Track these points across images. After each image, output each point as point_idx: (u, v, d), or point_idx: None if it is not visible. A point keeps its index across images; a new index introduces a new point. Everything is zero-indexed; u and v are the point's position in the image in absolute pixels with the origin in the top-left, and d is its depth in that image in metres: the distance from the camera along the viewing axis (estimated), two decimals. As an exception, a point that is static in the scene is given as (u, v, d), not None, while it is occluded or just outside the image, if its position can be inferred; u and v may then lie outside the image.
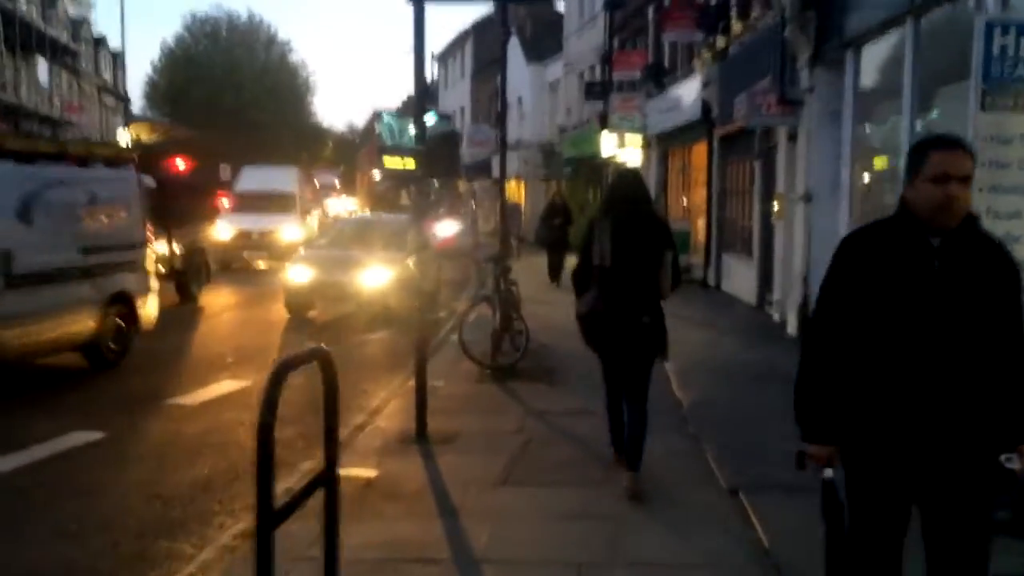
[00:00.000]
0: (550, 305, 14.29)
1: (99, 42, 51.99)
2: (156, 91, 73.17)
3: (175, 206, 14.68)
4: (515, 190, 43.08)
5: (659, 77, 21.83)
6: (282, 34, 74.82)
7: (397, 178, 24.60)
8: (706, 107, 17.32)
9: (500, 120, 18.65)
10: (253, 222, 21.83)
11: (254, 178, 24.41)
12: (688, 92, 18.59)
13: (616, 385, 5.70)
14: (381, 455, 6.26)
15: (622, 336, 5.45)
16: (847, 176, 10.00)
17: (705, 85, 17.21)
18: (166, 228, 14.25)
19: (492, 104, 46.44)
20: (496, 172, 42.94)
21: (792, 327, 11.35)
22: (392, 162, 24.28)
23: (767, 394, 8.11)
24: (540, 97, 38.64)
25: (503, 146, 18.55)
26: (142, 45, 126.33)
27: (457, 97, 53.58)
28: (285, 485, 5.04)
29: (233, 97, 61.83)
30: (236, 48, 65.17)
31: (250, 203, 22.35)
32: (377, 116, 27.19)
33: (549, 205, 19.40)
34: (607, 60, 25.62)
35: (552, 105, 37.62)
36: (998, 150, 4.88)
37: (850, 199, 9.98)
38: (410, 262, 12.66)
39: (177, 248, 14.76)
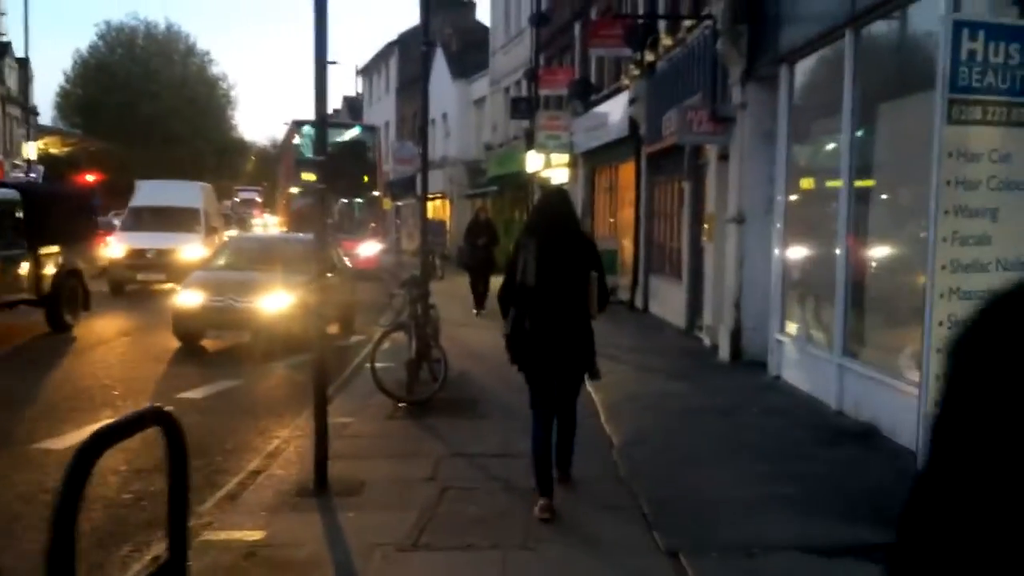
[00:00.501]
0: (473, 328, 13.61)
1: (3, 49, 49.57)
2: (68, 101, 70.73)
3: (44, 222, 13.07)
4: (440, 208, 42.38)
5: (586, 94, 21.41)
6: (201, 45, 73.04)
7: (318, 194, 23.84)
8: (634, 125, 16.91)
9: (422, 134, 18.04)
10: (149, 240, 19.81)
11: (152, 192, 22.33)
12: (615, 109, 18.17)
13: (545, 409, 5.54)
14: (272, 512, 5.45)
15: (550, 356, 5.42)
16: (781, 197, 9.57)
17: (632, 102, 16.79)
18: (31, 247, 12.73)
19: (417, 120, 45.74)
20: (420, 190, 42.41)
21: (724, 352, 10.86)
22: (310, 175, 23.31)
23: (702, 430, 7.54)
24: (466, 114, 38.04)
25: (424, 161, 17.98)
26: (52, 54, 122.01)
27: (382, 112, 52.68)
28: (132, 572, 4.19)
29: (149, 107, 60.04)
30: (153, 58, 63.37)
31: (147, 220, 20.44)
32: (296, 127, 26.12)
33: (472, 224, 17.29)
34: (533, 77, 25.17)
35: (478, 122, 37.06)
36: (965, 168, 4.36)
37: (784, 221, 9.54)
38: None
39: (47, 270, 13.10)
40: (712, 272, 12.08)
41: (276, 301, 11.41)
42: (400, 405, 8.50)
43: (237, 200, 57.46)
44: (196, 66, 65.86)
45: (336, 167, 25.59)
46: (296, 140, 24.20)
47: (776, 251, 9.56)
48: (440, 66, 40.16)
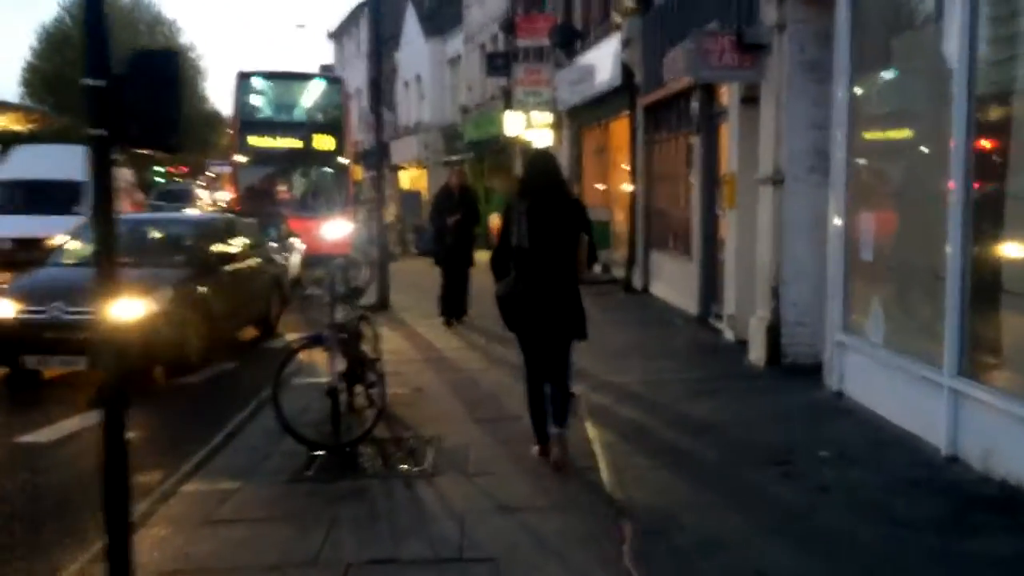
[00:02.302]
0: (434, 330, 11.02)
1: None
2: (35, 77, 68.19)
3: None
4: (416, 177, 39.60)
5: (570, 42, 18.70)
6: (168, 14, 69.84)
7: (273, 164, 20.61)
8: (627, 73, 14.28)
9: (373, 91, 15.32)
10: (12, 226, 15.73)
11: (23, 162, 18.18)
12: (604, 56, 15.51)
13: (537, 369, 5.70)
14: None
15: (541, 317, 5.56)
16: (842, 150, 6.98)
17: (626, 44, 14.14)
18: None
19: (390, 84, 42.78)
20: (396, 157, 39.54)
21: (757, 353, 8.34)
22: (261, 140, 19.87)
23: (756, 503, 4.98)
24: (440, 75, 35.16)
25: (378, 126, 15.26)
26: (17, 29, 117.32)
27: (353, 78, 49.47)
28: None
29: (114, 80, 57.48)
30: (117, 29, 60.70)
31: (19, 198, 16.76)
32: (242, 80, 20.82)
33: (440, 195, 11.77)
34: (510, 27, 22.42)
35: (454, 83, 34.21)
36: None
37: (848, 180, 6.96)
38: (198, 286, 9.10)
39: None
40: (735, 247, 9.53)
41: (128, 309, 7.20)
42: (316, 454, 5.97)
43: (212, 175, 54.85)
44: (163, 36, 63.31)
45: (293, 129, 22.51)
46: (244, 97, 20.34)
47: (837, 220, 7.00)
48: (412, 24, 37.24)
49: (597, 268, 16.08)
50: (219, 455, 6.08)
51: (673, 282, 12.53)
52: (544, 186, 5.59)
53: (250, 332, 11.14)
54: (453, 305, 11.36)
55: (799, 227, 7.96)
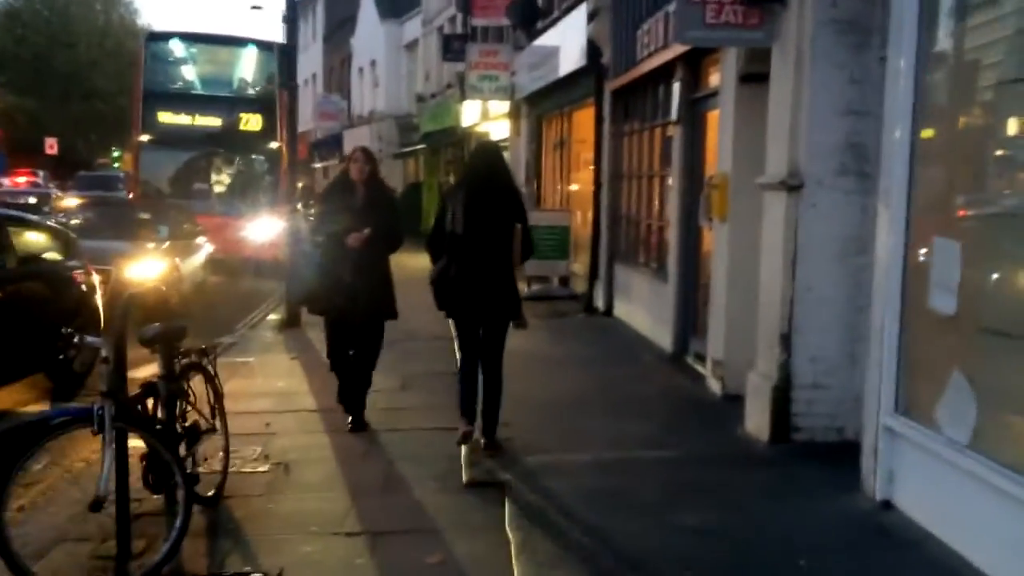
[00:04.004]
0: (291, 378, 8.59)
1: None
2: None
3: None
4: (369, 170, 37.05)
5: (531, 20, 16.36)
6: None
7: (186, 147, 17.72)
8: (594, 51, 11.99)
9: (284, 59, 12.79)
10: None
11: None
12: (569, 33, 13.21)
13: (471, 352, 5.83)
14: None
15: (475, 302, 5.69)
16: (904, 141, 4.68)
17: (593, 16, 11.87)
18: None
19: (344, 70, 40.17)
20: (348, 149, 36.93)
21: (757, 423, 6.06)
22: (172, 117, 16.39)
23: None
24: (396, 60, 32.68)
25: (290, 113, 12.66)
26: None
27: (309, 64, 46.81)
28: None
29: (66, 59, 54.39)
30: (71, 6, 57.72)
31: None
32: (149, 43, 17.90)
33: (330, 194, 6.78)
34: (467, 6, 20.07)
35: (411, 70, 31.73)
36: None
37: (908, 188, 4.68)
38: None
39: None
40: (726, 271, 7.26)
41: None
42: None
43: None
44: (119, 16, 60.29)
45: (213, 104, 19.34)
46: (153, 63, 17.13)
47: (892, 247, 4.71)
48: (367, 5, 34.69)
49: (554, 281, 13.80)
50: None
51: (643, 306, 10.25)
52: (483, 176, 5.78)
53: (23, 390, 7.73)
54: (350, 394, 6.60)
55: (823, 251, 5.70)
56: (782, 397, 5.79)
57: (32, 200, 25.80)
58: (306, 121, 44.44)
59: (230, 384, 7.82)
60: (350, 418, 6.52)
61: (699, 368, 8.17)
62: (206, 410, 5.11)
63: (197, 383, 5.09)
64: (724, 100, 7.40)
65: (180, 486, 4.14)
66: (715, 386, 7.38)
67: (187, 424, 4.90)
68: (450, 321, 6.17)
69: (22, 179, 43.50)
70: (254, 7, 53.01)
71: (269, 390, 7.78)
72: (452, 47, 22.12)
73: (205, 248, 13.60)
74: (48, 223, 9.47)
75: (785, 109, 5.89)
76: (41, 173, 42.16)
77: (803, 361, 5.76)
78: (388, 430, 6.54)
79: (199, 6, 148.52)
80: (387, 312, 6.51)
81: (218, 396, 5.25)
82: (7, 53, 61.26)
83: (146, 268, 10.51)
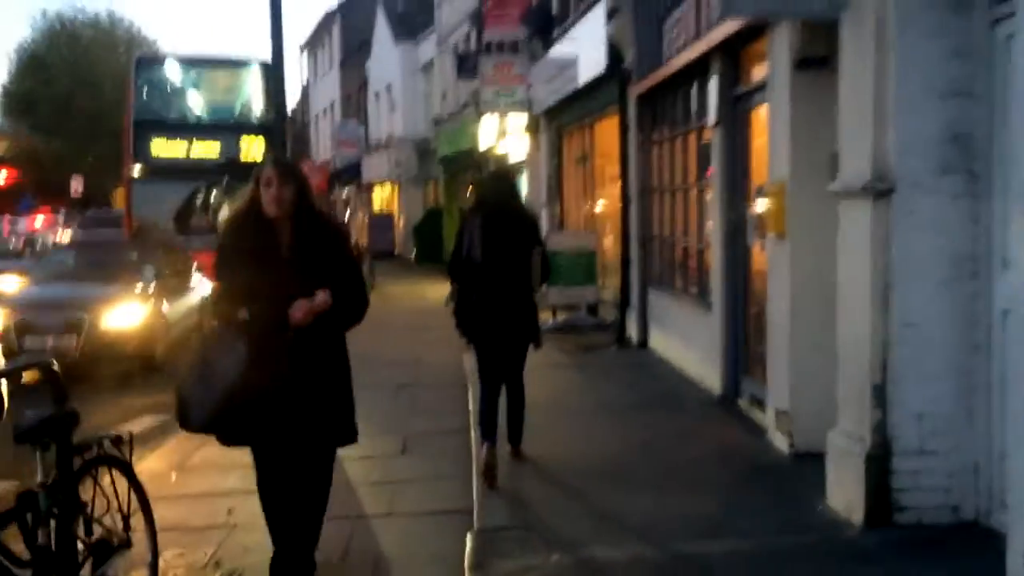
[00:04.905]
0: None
1: None
2: (11, 99, 65.95)
3: None
4: (389, 197, 36.04)
5: (547, 29, 15.21)
6: (148, 33, 66.29)
7: (181, 179, 16.57)
8: (615, 54, 10.78)
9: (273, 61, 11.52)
10: None
11: None
12: (587, 36, 11.98)
13: (493, 376, 5.80)
14: None
15: (496, 327, 5.69)
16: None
17: (612, 14, 10.64)
18: None
19: (361, 96, 39.28)
20: (368, 175, 35.93)
21: (847, 502, 4.69)
22: (165, 147, 14.77)
23: None
24: (412, 83, 31.64)
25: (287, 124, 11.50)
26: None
27: (327, 91, 46.23)
28: None
29: (89, 100, 54.43)
30: (93, 49, 57.95)
31: None
32: (140, 67, 16.63)
33: (232, 233, 4.13)
34: (480, 20, 18.96)
35: (427, 92, 30.69)
36: None
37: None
38: None
39: None
40: (789, 298, 5.93)
41: None
42: None
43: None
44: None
45: (209, 132, 17.85)
46: (143, 89, 15.84)
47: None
48: (382, 28, 33.78)
49: (582, 309, 12.52)
50: None
51: (683, 338, 8.92)
52: (499, 202, 5.82)
53: None
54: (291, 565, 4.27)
55: (926, 274, 4.37)
56: (879, 468, 4.43)
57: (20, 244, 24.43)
58: (325, 150, 43.86)
59: (200, 453, 6.62)
60: None
61: (755, 416, 6.82)
62: (125, 516, 3.88)
63: (116, 480, 3.87)
64: (776, 93, 6.09)
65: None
66: (780, 442, 6.03)
67: (93, 540, 3.67)
68: (469, 346, 6.08)
69: (39, 219, 43.16)
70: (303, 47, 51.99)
71: (243, 461, 6.50)
72: (466, 64, 21.12)
73: (201, 287, 12.45)
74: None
75: (864, 95, 4.57)
76: (62, 212, 41.69)
77: (905, 420, 4.41)
78: (379, 515, 5.27)
79: (224, 44, 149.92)
80: (343, 433, 4.16)
81: (141, 497, 4.01)
82: (34, 95, 61.75)
83: (124, 314, 9.36)
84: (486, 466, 5.41)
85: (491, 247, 5.60)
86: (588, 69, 11.86)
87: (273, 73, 9.99)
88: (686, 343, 8.72)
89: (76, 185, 48.45)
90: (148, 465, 6.41)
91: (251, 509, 5.37)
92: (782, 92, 5.96)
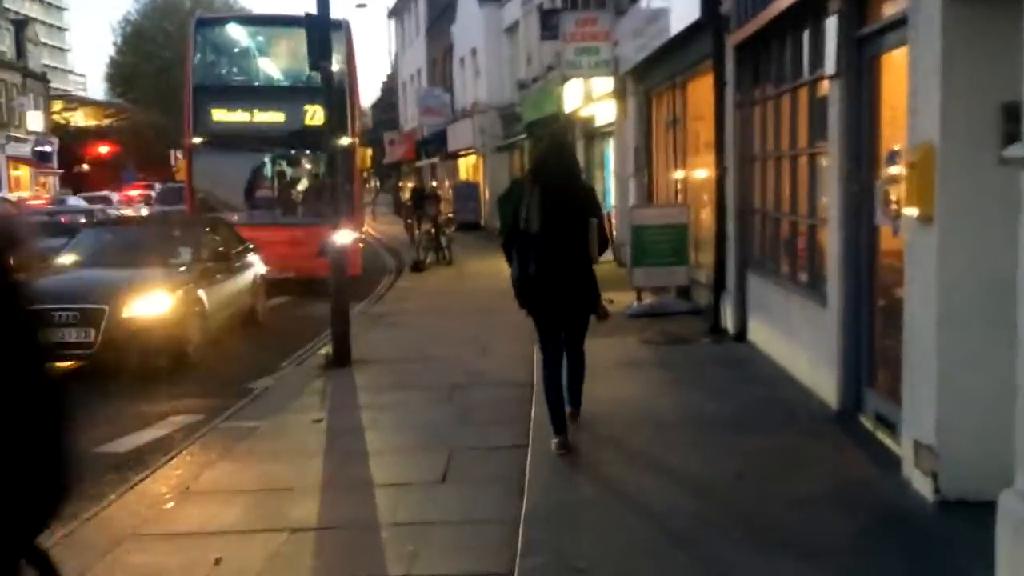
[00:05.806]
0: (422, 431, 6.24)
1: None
2: (117, 72, 67.90)
3: None
4: (474, 166, 34.94)
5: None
6: (247, 3, 66.88)
7: (242, 147, 15.58)
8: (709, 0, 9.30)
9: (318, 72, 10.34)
10: None
11: None
12: (678, -19, 10.50)
13: (554, 350, 5.77)
14: None
15: (556, 298, 5.67)
16: None
17: (708, -50, 9.14)
18: None
19: (446, 62, 38.15)
20: (454, 144, 34.86)
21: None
22: (226, 114, 14.37)
23: None
24: (497, 46, 30.35)
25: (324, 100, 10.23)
26: (95, 22, 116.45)
27: (414, 59, 45.34)
28: None
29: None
30: (191, 17, 58.71)
31: None
32: (199, 29, 15.49)
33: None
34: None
35: (512, 55, 29.36)
36: None
37: None
38: None
39: None
40: (935, 295, 4.51)
41: None
42: None
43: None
44: (230, 21, 60.95)
45: (272, 97, 16.20)
46: (202, 53, 14.84)
47: None
48: (467, -9, 32.50)
49: (671, 292, 11.18)
50: None
51: (789, 334, 7.51)
52: (556, 172, 5.74)
53: None
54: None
55: None
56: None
57: (83, 217, 23.41)
58: (413, 119, 42.92)
59: (209, 473, 5.65)
60: None
61: (885, 440, 5.43)
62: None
63: None
64: (921, 29, 4.63)
65: None
66: (920, 483, 4.64)
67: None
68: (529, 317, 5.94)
69: (135, 192, 43.74)
70: (359, 5, 51.49)
71: (253, 484, 5.49)
72: (550, 23, 19.72)
73: (255, 269, 11.55)
74: None
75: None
76: (158, 186, 42.03)
77: None
78: (399, 576, 4.14)
79: (304, 4, 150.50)
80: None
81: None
82: (137, 70, 63.04)
83: (151, 303, 8.46)
84: (559, 446, 5.60)
85: (548, 219, 5.55)
86: (680, 18, 10.41)
87: (318, 26, 8.90)
88: (794, 340, 7.31)
89: (176, 157, 49.04)
90: (147, 487, 5.48)
91: (243, 559, 4.34)
92: (930, 27, 4.50)
